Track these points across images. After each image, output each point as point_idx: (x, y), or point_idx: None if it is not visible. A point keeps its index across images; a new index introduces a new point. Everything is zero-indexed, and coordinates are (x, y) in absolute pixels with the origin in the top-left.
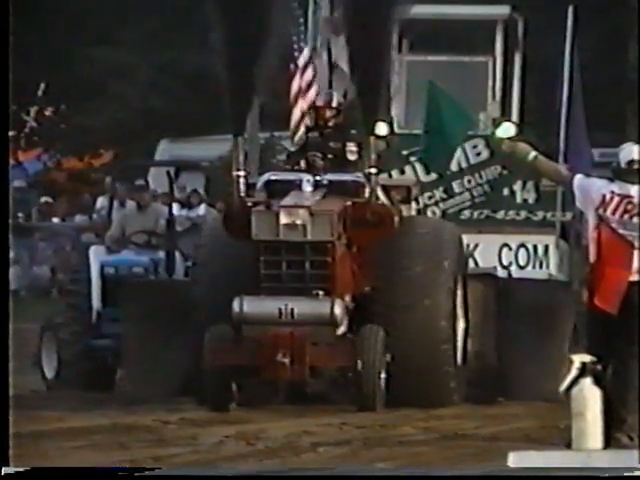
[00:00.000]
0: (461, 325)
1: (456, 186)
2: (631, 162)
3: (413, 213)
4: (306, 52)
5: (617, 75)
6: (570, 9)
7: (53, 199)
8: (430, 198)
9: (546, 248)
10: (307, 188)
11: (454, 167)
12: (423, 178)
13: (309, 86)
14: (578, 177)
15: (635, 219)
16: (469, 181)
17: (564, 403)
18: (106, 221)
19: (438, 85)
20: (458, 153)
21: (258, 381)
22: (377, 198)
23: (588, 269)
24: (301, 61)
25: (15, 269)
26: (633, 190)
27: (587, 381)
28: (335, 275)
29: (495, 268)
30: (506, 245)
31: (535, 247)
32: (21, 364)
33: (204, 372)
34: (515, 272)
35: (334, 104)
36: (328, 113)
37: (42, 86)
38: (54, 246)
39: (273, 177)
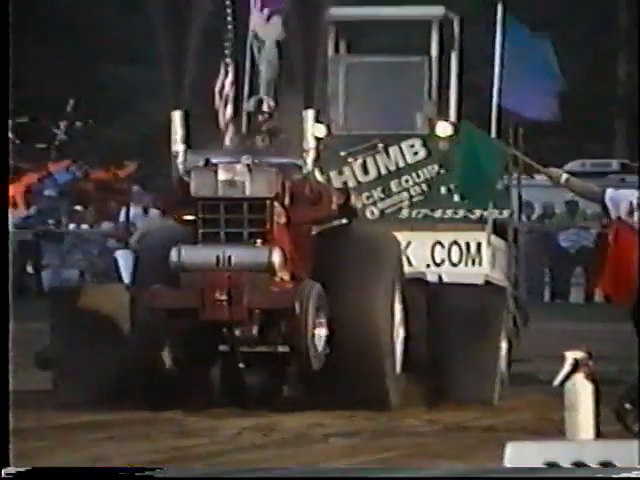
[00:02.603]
0: (401, 331)
1: (394, 185)
2: None
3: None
4: (229, 56)
5: (606, 93)
6: (499, 6)
7: (82, 207)
8: (368, 198)
9: (478, 245)
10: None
11: (392, 167)
12: (361, 179)
13: (236, 91)
14: (609, 191)
15: None
16: (407, 180)
17: (559, 396)
18: (129, 227)
19: (471, 124)
20: (394, 152)
21: (197, 325)
22: (316, 180)
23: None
24: (226, 62)
25: (47, 272)
26: None
27: (579, 376)
28: (273, 233)
29: (424, 273)
30: (439, 243)
31: (468, 244)
32: None
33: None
34: (448, 270)
35: (265, 108)
36: (260, 118)
37: (71, 102)
38: (83, 251)
39: (213, 159)
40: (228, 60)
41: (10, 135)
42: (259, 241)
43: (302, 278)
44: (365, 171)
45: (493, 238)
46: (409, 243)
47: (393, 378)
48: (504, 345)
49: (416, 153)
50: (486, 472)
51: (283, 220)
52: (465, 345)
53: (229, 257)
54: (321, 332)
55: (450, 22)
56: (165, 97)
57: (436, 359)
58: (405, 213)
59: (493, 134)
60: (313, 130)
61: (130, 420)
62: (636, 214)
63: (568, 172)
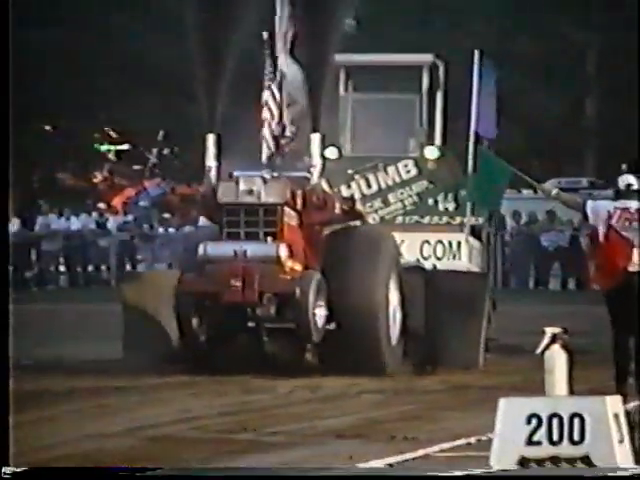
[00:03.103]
0: (398, 312)
1: (391, 197)
2: (628, 185)
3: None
4: (266, 90)
5: (578, 125)
6: (476, 52)
7: (169, 215)
8: (370, 207)
9: (458, 244)
10: (266, 177)
11: (390, 182)
12: (365, 191)
13: (271, 116)
14: (589, 202)
15: (634, 224)
16: (401, 193)
17: (540, 362)
18: None
19: (489, 149)
20: (391, 171)
21: (220, 306)
22: (322, 189)
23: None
24: (264, 96)
25: (141, 266)
26: (630, 204)
27: (556, 346)
28: (283, 233)
29: (418, 260)
30: (426, 242)
31: (450, 243)
32: None
33: (176, 300)
34: (436, 263)
35: (287, 133)
36: (282, 141)
37: (162, 133)
38: (170, 248)
39: (237, 172)
40: (267, 93)
41: (113, 158)
42: (269, 238)
43: (313, 269)
44: (368, 185)
45: (470, 239)
46: (402, 241)
47: (389, 348)
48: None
49: (409, 171)
50: (486, 473)
51: (295, 222)
52: (455, 320)
53: (245, 251)
54: (320, 312)
55: (437, 67)
56: (200, 124)
57: (431, 332)
58: (400, 219)
59: (470, 154)
60: (319, 149)
61: (204, 382)
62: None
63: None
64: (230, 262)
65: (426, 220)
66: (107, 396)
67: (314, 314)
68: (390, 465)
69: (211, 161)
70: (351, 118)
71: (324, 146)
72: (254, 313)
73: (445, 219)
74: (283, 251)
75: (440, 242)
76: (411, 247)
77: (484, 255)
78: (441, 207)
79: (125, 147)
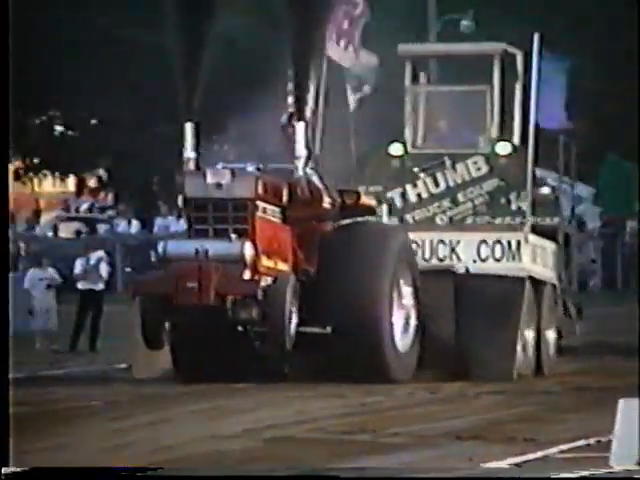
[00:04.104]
0: (413, 318)
1: (460, 196)
2: None
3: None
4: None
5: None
6: (536, 37)
7: None
8: (439, 207)
9: (518, 244)
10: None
11: (459, 180)
12: (433, 190)
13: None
14: None
15: None
16: (471, 192)
17: None
18: None
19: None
20: (460, 168)
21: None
22: (309, 180)
23: None
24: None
25: None
26: None
27: None
28: (254, 230)
29: (452, 265)
30: (484, 242)
31: (509, 243)
32: None
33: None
34: (491, 265)
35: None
36: (290, 130)
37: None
38: None
39: (222, 165)
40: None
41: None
42: (234, 236)
43: (305, 268)
44: (436, 184)
45: (534, 238)
46: (458, 242)
47: (394, 354)
48: (552, 333)
49: (479, 169)
50: (485, 473)
51: (277, 217)
52: (486, 328)
53: (206, 250)
54: (293, 318)
55: (511, 56)
56: (179, 112)
57: (461, 341)
58: (470, 220)
59: (530, 147)
60: (303, 139)
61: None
62: None
63: None
64: (188, 262)
65: (498, 221)
66: (227, 397)
67: (289, 319)
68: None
69: (189, 152)
70: (417, 112)
71: (389, 142)
72: (235, 315)
73: (518, 219)
74: (248, 250)
75: (499, 242)
76: (467, 248)
77: (560, 257)
78: (514, 206)
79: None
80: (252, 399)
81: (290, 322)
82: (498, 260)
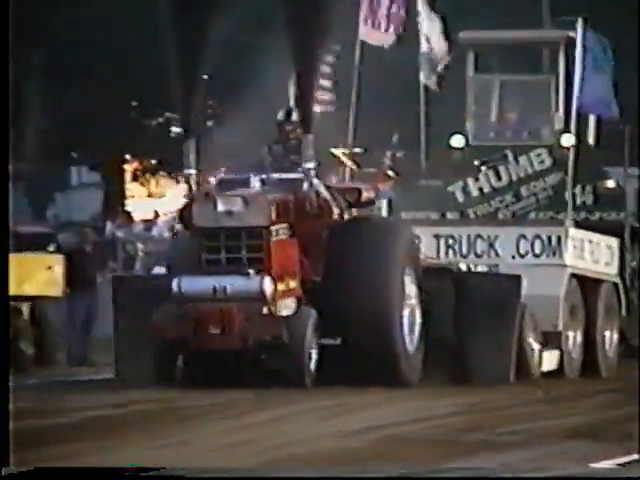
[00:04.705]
0: (418, 315)
1: (523, 191)
2: None
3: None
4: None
5: None
6: (580, 20)
7: None
8: (501, 202)
9: (559, 239)
10: (254, 184)
11: (522, 174)
12: (495, 184)
13: None
14: None
15: None
16: (534, 186)
17: None
18: None
19: None
20: (523, 161)
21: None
22: (317, 192)
23: None
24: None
25: None
26: None
27: None
28: (270, 258)
29: (450, 263)
30: (523, 236)
31: (549, 238)
32: None
33: (151, 346)
34: (530, 261)
35: (293, 118)
36: (288, 127)
37: (396, 136)
38: None
39: (225, 177)
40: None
41: (350, 164)
42: (252, 271)
43: (313, 278)
44: (498, 177)
45: (580, 233)
46: (496, 236)
47: (405, 357)
48: (613, 334)
49: (542, 162)
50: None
51: (286, 234)
52: (483, 328)
53: (224, 287)
54: (315, 354)
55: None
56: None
57: (460, 341)
58: (533, 215)
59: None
60: (312, 151)
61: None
62: None
63: None
64: (207, 302)
65: (562, 216)
66: (342, 396)
67: (309, 356)
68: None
69: (190, 169)
70: (481, 102)
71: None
72: (240, 357)
73: (583, 214)
74: (268, 286)
75: (538, 237)
76: (506, 243)
77: (624, 254)
78: (579, 201)
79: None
80: (369, 397)
81: (310, 360)
82: (537, 256)
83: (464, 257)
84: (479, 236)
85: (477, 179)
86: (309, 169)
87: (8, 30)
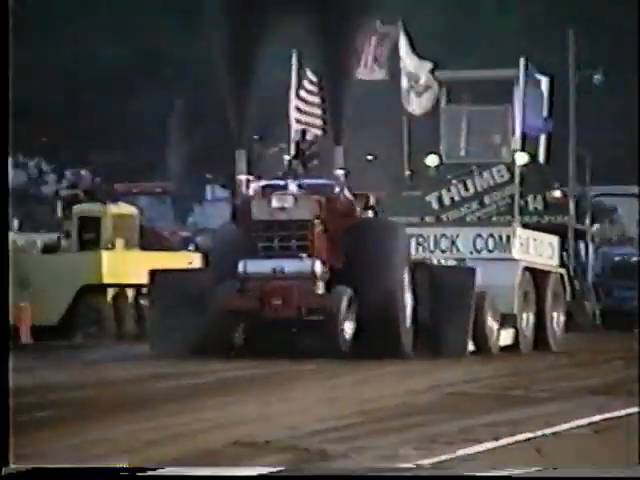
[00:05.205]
0: (409, 300)
1: (487, 199)
2: None
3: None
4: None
5: None
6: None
7: None
8: (468, 208)
9: (508, 237)
10: (292, 188)
11: (485, 185)
12: (463, 194)
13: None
14: None
15: None
16: (495, 195)
17: None
18: None
19: None
20: (487, 175)
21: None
22: (345, 195)
23: None
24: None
25: None
26: None
27: None
28: (314, 246)
29: (425, 258)
30: (479, 235)
31: (500, 236)
32: None
33: (213, 318)
34: (486, 255)
35: (308, 137)
36: (303, 146)
37: None
38: None
39: (266, 182)
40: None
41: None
42: (304, 255)
43: (336, 266)
44: (466, 189)
45: (527, 233)
46: (457, 235)
47: (404, 329)
48: (560, 315)
49: (502, 176)
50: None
51: (321, 230)
52: (447, 312)
53: (282, 268)
54: (350, 324)
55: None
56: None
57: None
58: (494, 219)
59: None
60: (342, 160)
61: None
62: None
63: None
64: (269, 280)
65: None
66: (404, 364)
67: (342, 329)
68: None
69: (241, 175)
70: (451, 128)
71: (427, 154)
72: (290, 324)
73: (535, 218)
74: (318, 267)
75: (492, 236)
76: (465, 241)
77: (569, 250)
78: (531, 207)
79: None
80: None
81: (343, 330)
82: (491, 251)
83: (431, 252)
84: (443, 235)
85: (449, 190)
86: (340, 175)
87: (8, 30)
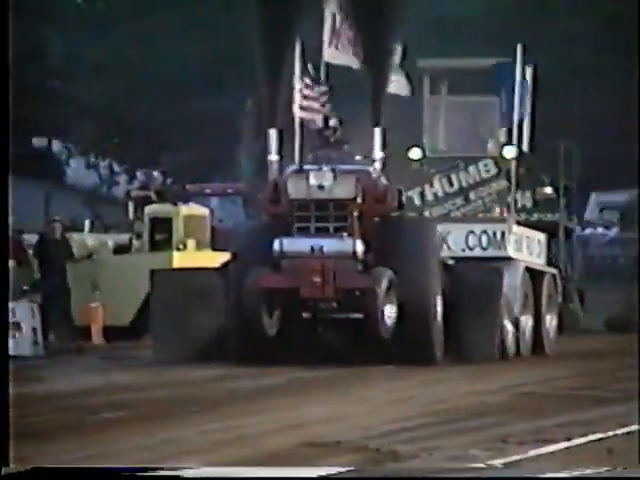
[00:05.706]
0: (439, 303)
1: (472, 195)
2: None
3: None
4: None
5: None
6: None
7: None
8: (453, 204)
9: (502, 234)
10: (326, 173)
11: (471, 181)
12: (447, 190)
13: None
14: None
15: None
16: (481, 191)
17: None
18: None
19: None
20: (473, 170)
21: (296, 301)
22: (381, 181)
23: None
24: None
25: None
26: None
27: None
28: (354, 227)
29: (446, 257)
30: (472, 232)
31: (494, 233)
32: None
33: (245, 299)
34: (478, 253)
35: (331, 124)
36: (326, 133)
37: None
38: None
39: (299, 167)
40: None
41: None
42: (345, 234)
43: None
44: (450, 184)
45: (520, 230)
46: (449, 232)
47: (436, 335)
48: (553, 318)
49: (488, 171)
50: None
51: (357, 214)
52: (473, 313)
53: (321, 247)
54: (391, 307)
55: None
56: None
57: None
58: (480, 216)
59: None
60: (380, 143)
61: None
62: None
63: None
64: (308, 258)
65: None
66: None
67: (383, 310)
68: None
69: (273, 155)
70: (435, 119)
71: (409, 147)
72: (324, 306)
73: (523, 215)
74: (360, 247)
75: (485, 232)
76: (457, 237)
77: (560, 248)
78: (519, 204)
79: None
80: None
81: (384, 312)
82: (485, 249)
83: None
84: None
85: (432, 185)
86: (376, 161)
87: (8, 32)
